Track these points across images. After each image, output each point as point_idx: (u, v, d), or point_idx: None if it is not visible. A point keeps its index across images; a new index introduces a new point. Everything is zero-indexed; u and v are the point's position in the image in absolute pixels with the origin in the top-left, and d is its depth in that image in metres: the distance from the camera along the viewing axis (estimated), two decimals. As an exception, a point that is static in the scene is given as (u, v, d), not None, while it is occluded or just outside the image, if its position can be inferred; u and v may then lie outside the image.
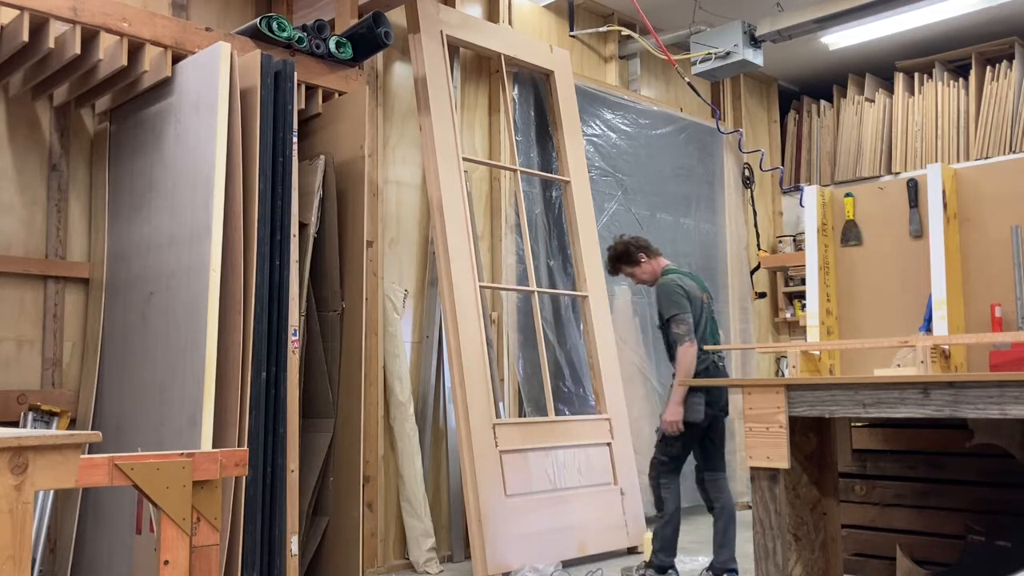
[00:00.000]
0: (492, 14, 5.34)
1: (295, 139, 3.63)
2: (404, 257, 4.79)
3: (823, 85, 7.32)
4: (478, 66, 5.25)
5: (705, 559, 4.51)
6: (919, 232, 3.96)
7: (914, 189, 3.98)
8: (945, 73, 6.63)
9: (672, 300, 3.97)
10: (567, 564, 4.38)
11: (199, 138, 3.44)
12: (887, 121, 6.85)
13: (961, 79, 6.53)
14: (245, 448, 2.78)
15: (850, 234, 4.17)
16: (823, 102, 7.30)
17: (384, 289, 4.61)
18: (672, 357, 4.05)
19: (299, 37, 3.88)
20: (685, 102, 6.55)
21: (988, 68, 6.42)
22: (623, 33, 6.05)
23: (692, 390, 3.91)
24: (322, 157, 3.99)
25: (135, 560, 3.27)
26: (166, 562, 2.13)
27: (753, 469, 2.65)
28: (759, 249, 7.01)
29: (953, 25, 6.27)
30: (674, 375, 4.01)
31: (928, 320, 3.78)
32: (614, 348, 5.16)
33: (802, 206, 5.21)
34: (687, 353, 3.91)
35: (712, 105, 6.61)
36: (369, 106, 4.42)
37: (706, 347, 4.04)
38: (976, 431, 2.87)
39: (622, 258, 4.21)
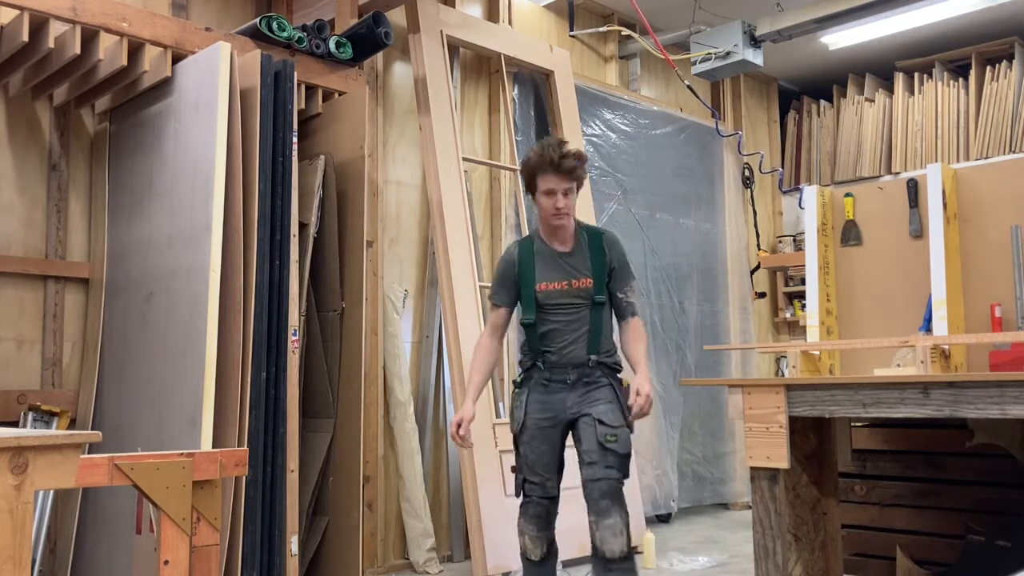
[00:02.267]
0: (492, 14, 5.34)
1: (295, 139, 3.63)
2: (404, 257, 4.79)
3: (823, 85, 7.32)
4: (478, 66, 5.25)
5: (705, 559, 4.52)
6: (919, 232, 3.96)
7: (914, 189, 3.99)
8: (945, 73, 6.63)
9: (629, 263, 3.19)
10: (567, 564, 4.38)
11: (199, 138, 3.44)
12: (887, 121, 6.85)
13: (961, 79, 6.53)
14: (245, 448, 2.78)
15: (850, 234, 4.17)
16: (823, 102, 7.30)
17: (384, 289, 4.61)
18: (572, 325, 3.07)
19: (299, 37, 3.88)
20: (685, 102, 6.55)
21: (988, 68, 6.42)
22: (623, 33, 6.05)
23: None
24: (322, 157, 3.99)
25: (135, 560, 3.27)
26: (166, 562, 2.13)
27: (753, 469, 2.65)
28: (759, 249, 7.02)
29: (953, 25, 6.27)
30: (605, 359, 3.12)
31: (928, 320, 3.78)
32: (614, 348, 5.16)
33: (802, 207, 5.21)
34: (643, 326, 3.19)
35: (712, 108, 6.61)
36: (369, 106, 4.42)
37: (706, 347, 4.03)
38: (976, 431, 2.87)
39: (585, 170, 3.15)
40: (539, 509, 3.11)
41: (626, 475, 3.02)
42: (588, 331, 3.07)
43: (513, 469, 3.18)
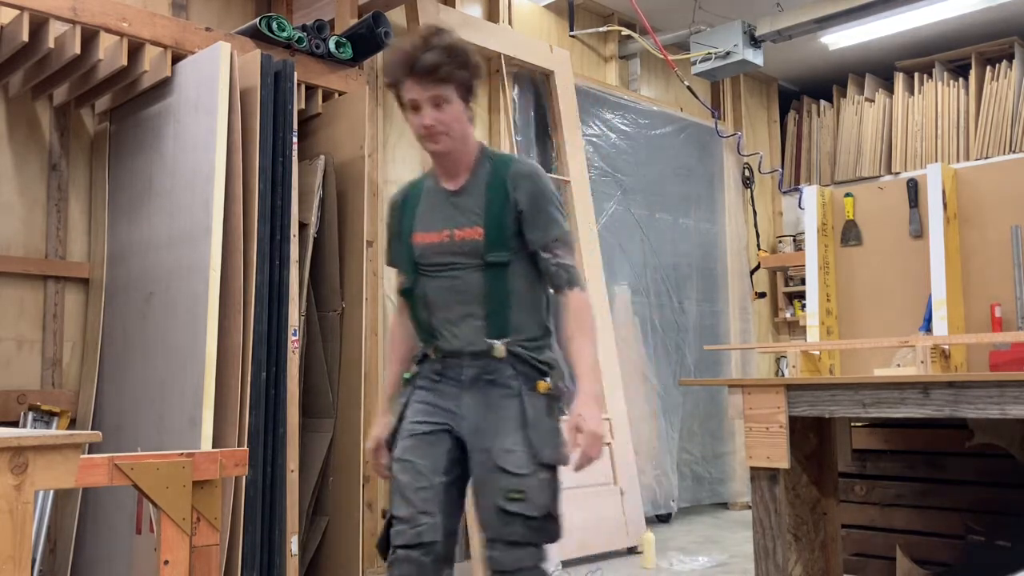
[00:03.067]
0: (492, 14, 5.34)
1: (295, 139, 3.63)
2: (404, 257, 4.78)
3: (823, 85, 7.32)
4: (478, 66, 5.25)
5: (705, 559, 4.52)
6: (919, 232, 3.96)
7: (914, 189, 3.99)
8: (945, 73, 6.63)
9: (561, 207, 2.15)
10: (567, 564, 4.38)
11: (199, 138, 3.44)
12: (887, 121, 6.85)
13: (961, 79, 6.53)
14: (245, 448, 2.79)
15: (850, 234, 4.17)
16: (823, 102, 7.30)
17: (384, 289, 4.61)
18: (457, 296, 2.10)
19: (299, 37, 3.88)
20: (685, 102, 6.55)
21: (988, 68, 6.42)
22: (623, 33, 6.05)
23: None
24: (322, 157, 3.99)
25: (135, 560, 3.27)
26: (166, 562, 2.13)
27: (753, 469, 2.65)
28: (759, 249, 7.01)
29: (953, 25, 6.27)
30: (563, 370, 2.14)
31: (928, 320, 3.78)
32: (614, 348, 5.16)
33: (802, 207, 5.21)
34: (591, 306, 2.16)
35: (711, 108, 6.61)
36: (369, 106, 4.41)
37: (706, 347, 3.99)
38: (976, 431, 2.87)
39: (467, 67, 2.06)
40: (408, 568, 1.98)
41: (550, 539, 2.00)
42: (484, 305, 2.07)
43: (383, 514, 2.17)
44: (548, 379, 2.08)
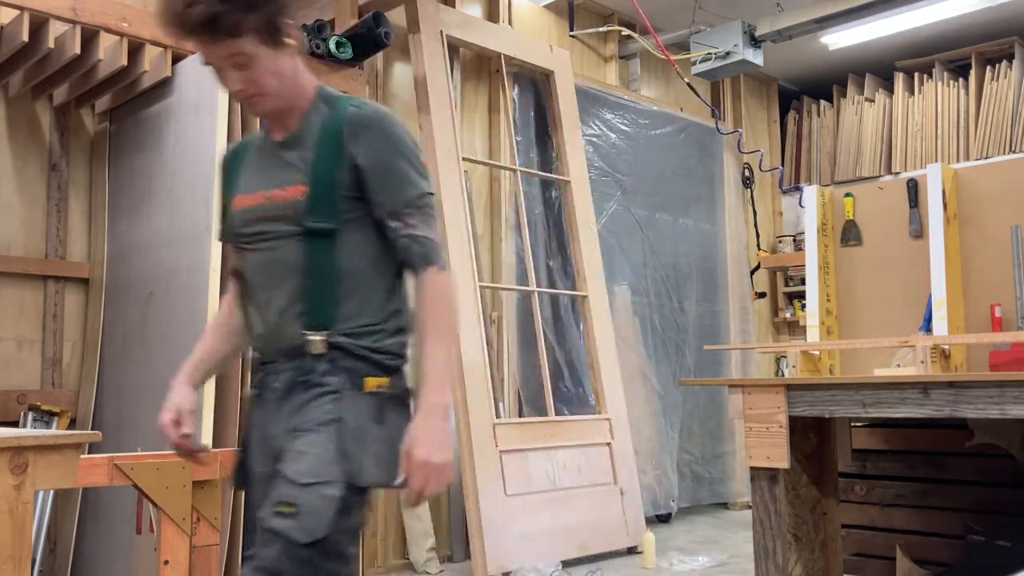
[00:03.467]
0: (492, 14, 5.34)
1: (295, 139, 3.63)
2: (404, 257, 4.78)
3: (823, 85, 7.32)
4: (478, 66, 5.25)
5: (705, 559, 4.52)
6: (919, 232, 3.96)
7: (914, 189, 3.99)
8: (945, 73, 6.63)
9: (418, 163, 1.68)
10: (567, 564, 4.38)
11: (199, 138, 3.44)
12: (887, 121, 6.85)
13: (961, 79, 6.53)
14: (245, 448, 2.78)
15: (850, 234, 4.17)
16: (823, 102, 7.30)
17: (384, 289, 4.60)
18: (273, 272, 1.67)
19: (299, 37, 3.88)
20: (685, 102, 6.55)
21: (988, 68, 6.42)
22: (623, 33, 6.05)
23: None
24: (322, 157, 3.98)
25: (135, 560, 3.27)
26: (166, 562, 2.13)
27: (753, 469, 2.65)
28: (759, 249, 7.02)
29: (953, 25, 6.27)
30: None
31: (928, 320, 3.79)
32: (614, 348, 5.16)
33: (802, 206, 5.22)
34: (453, 288, 1.69)
35: (712, 106, 6.61)
36: (369, 106, 4.41)
37: (706, 347, 3.98)
38: (976, 431, 2.87)
39: (256, 4, 1.54)
40: None
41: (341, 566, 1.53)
42: (304, 286, 1.62)
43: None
44: (384, 374, 1.63)
